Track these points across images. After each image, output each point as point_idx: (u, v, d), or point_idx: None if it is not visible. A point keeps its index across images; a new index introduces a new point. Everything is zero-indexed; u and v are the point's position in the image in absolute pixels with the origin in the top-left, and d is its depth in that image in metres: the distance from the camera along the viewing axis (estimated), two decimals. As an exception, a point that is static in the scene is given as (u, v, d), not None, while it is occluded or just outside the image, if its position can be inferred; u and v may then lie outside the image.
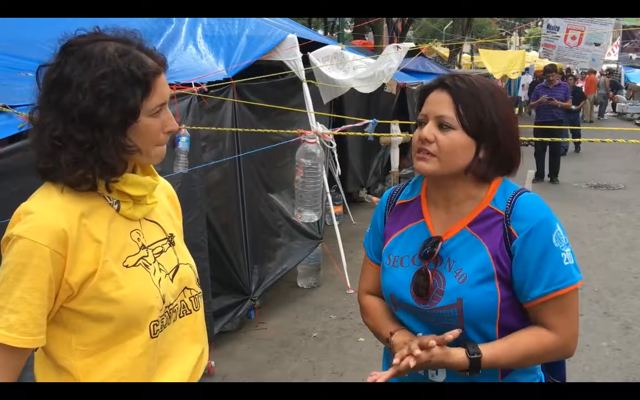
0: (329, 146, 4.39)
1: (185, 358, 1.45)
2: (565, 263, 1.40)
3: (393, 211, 1.65)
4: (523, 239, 1.40)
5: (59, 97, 1.24)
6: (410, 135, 8.16)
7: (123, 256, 1.31)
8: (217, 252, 4.18)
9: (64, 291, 1.25)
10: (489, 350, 1.40)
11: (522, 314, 1.46)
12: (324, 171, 5.14)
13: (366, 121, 4.85)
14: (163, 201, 1.50)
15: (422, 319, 1.50)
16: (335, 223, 5.65)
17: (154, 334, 1.34)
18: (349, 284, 5.32)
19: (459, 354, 1.39)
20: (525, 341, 1.42)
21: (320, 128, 4.41)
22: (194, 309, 1.48)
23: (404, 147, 9.05)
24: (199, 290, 1.51)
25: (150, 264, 1.36)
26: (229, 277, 4.33)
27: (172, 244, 1.46)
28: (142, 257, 1.35)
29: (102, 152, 1.25)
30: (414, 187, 1.64)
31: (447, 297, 1.44)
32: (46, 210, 1.24)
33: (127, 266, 1.31)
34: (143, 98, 1.27)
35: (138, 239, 1.36)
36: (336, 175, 6.40)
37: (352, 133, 5.71)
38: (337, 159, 5.61)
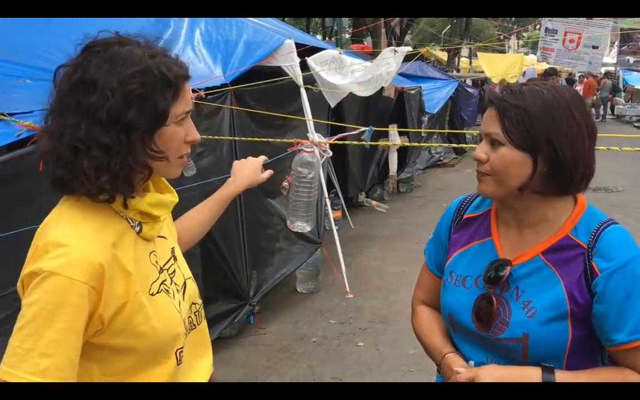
0: (325, 154, 4.39)
1: (200, 374, 1.42)
2: None
3: (460, 224, 1.55)
4: (606, 278, 1.28)
5: (83, 97, 1.15)
6: (407, 143, 8.22)
7: (148, 283, 1.25)
8: (216, 257, 4.17)
9: (94, 326, 1.16)
10: (565, 376, 1.31)
11: (594, 355, 1.38)
12: (322, 180, 5.13)
13: (362, 128, 4.85)
14: None
15: (483, 346, 1.42)
16: (334, 228, 5.64)
17: (180, 361, 1.30)
18: (348, 289, 5.32)
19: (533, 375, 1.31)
20: (609, 377, 1.31)
21: (316, 137, 4.41)
22: (197, 323, 1.43)
23: (403, 151, 9.08)
24: (201, 301, 1.47)
25: (169, 287, 1.30)
26: (227, 282, 4.33)
27: (175, 258, 1.40)
28: (162, 282, 1.29)
29: (128, 158, 1.16)
30: (484, 200, 1.54)
31: (511, 329, 1.35)
32: (80, 242, 1.13)
33: (152, 294, 1.24)
34: (172, 102, 1.21)
35: (156, 261, 1.30)
36: (334, 180, 6.41)
37: (348, 142, 5.71)
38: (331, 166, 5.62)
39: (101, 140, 1.14)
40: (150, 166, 1.23)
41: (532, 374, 1.32)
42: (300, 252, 5.22)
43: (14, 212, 2.47)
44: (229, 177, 1.82)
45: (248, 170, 1.82)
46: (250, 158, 1.85)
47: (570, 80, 20.53)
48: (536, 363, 1.34)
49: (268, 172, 1.84)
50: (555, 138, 1.31)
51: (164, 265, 1.32)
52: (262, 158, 1.87)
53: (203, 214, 1.75)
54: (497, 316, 1.37)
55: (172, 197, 1.35)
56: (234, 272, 4.36)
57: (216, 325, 4.17)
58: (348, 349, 4.36)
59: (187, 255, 1.62)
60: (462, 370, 1.39)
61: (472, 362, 1.42)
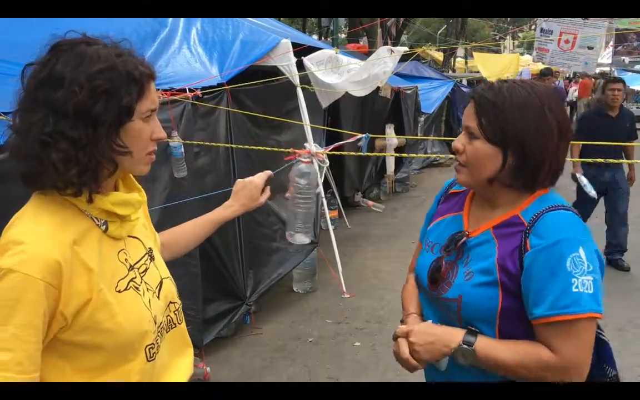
0: (323, 165, 4.41)
1: (179, 372, 1.44)
2: (574, 289, 1.33)
3: (445, 198, 1.72)
4: (534, 254, 1.37)
5: (50, 94, 1.18)
6: (402, 145, 8.21)
7: (114, 281, 1.27)
8: (212, 258, 4.16)
9: (58, 322, 1.18)
10: (486, 341, 1.42)
11: (529, 327, 1.42)
12: (321, 189, 5.12)
13: (359, 136, 4.86)
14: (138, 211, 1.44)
15: (433, 305, 1.59)
16: (331, 227, 5.64)
17: (151, 357, 1.31)
18: (344, 289, 5.32)
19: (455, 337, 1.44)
20: (523, 348, 1.39)
21: (313, 147, 4.42)
22: (178, 323, 1.46)
23: (400, 151, 9.08)
24: (180, 302, 1.50)
25: (139, 285, 1.33)
26: (224, 282, 4.32)
27: (152, 258, 1.43)
28: (131, 279, 1.31)
29: (94, 151, 1.20)
30: None
31: (452, 290, 1.50)
32: (37, 239, 1.16)
33: (119, 291, 1.27)
34: (138, 99, 1.25)
35: (125, 259, 1.32)
36: (331, 180, 6.41)
37: (346, 153, 5.71)
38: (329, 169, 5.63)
39: (68, 134, 1.18)
40: (116, 161, 1.26)
41: (455, 333, 1.45)
42: (297, 252, 5.22)
43: (11, 213, 2.46)
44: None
45: (246, 198, 1.83)
46: (252, 179, 1.85)
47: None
48: (468, 323, 1.47)
49: (265, 195, 1.86)
50: (524, 137, 1.41)
51: (135, 264, 1.35)
52: (265, 175, 1.87)
53: (192, 231, 1.79)
54: (445, 279, 1.53)
55: (140, 197, 1.38)
56: (230, 272, 4.36)
57: (214, 326, 4.16)
58: (344, 349, 4.36)
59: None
60: (404, 327, 1.57)
61: (429, 322, 1.58)
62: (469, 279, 1.47)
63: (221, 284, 4.29)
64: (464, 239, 1.52)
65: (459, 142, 1.50)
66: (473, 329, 1.45)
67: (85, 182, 1.21)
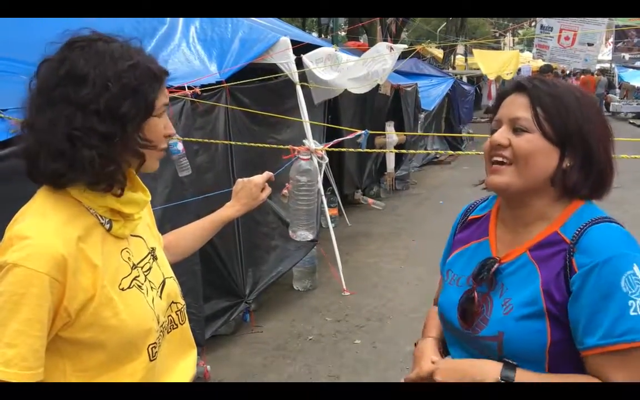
0: (322, 161, 4.40)
1: (180, 375, 1.43)
2: (632, 313, 1.15)
3: (464, 226, 1.52)
4: (583, 275, 1.19)
5: (72, 90, 1.18)
6: (402, 143, 8.16)
7: (118, 279, 1.26)
8: (211, 256, 4.16)
9: (61, 319, 1.17)
10: (526, 375, 1.23)
11: (581, 360, 1.24)
12: (320, 186, 5.12)
13: (358, 132, 4.85)
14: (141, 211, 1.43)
15: (466, 345, 1.37)
16: (330, 225, 5.64)
17: (153, 357, 1.30)
18: (344, 286, 5.31)
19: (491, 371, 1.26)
20: (570, 381, 1.21)
21: (312, 144, 4.43)
22: (180, 323, 1.45)
23: (400, 149, 9.08)
24: (184, 302, 1.48)
25: (143, 284, 1.32)
26: (223, 280, 4.31)
27: (155, 258, 1.41)
28: (134, 278, 1.30)
29: (125, 147, 1.22)
30: (489, 202, 1.50)
31: (490, 327, 1.29)
32: (43, 234, 1.15)
33: (122, 289, 1.26)
34: (157, 95, 1.27)
35: (129, 258, 1.31)
36: (331, 178, 6.40)
37: (345, 149, 5.71)
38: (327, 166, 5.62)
39: (99, 130, 1.18)
40: (143, 155, 1.28)
41: (489, 368, 1.26)
42: (297, 250, 5.21)
43: (6, 212, 2.44)
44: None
45: (247, 197, 1.83)
46: (252, 179, 1.84)
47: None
48: None
49: (266, 192, 1.86)
50: (588, 133, 1.27)
51: (139, 263, 1.34)
52: (266, 176, 1.86)
53: (195, 233, 1.79)
54: (479, 314, 1.31)
55: (145, 196, 1.38)
56: (229, 270, 4.35)
57: (212, 324, 4.16)
58: (345, 347, 4.36)
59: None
60: (426, 367, 1.39)
61: (449, 358, 1.42)
62: (509, 311, 1.26)
63: (220, 282, 4.29)
64: (496, 265, 1.32)
65: (502, 136, 1.29)
66: (509, 361, 1.25)
67: (117, 177, 1.23)
